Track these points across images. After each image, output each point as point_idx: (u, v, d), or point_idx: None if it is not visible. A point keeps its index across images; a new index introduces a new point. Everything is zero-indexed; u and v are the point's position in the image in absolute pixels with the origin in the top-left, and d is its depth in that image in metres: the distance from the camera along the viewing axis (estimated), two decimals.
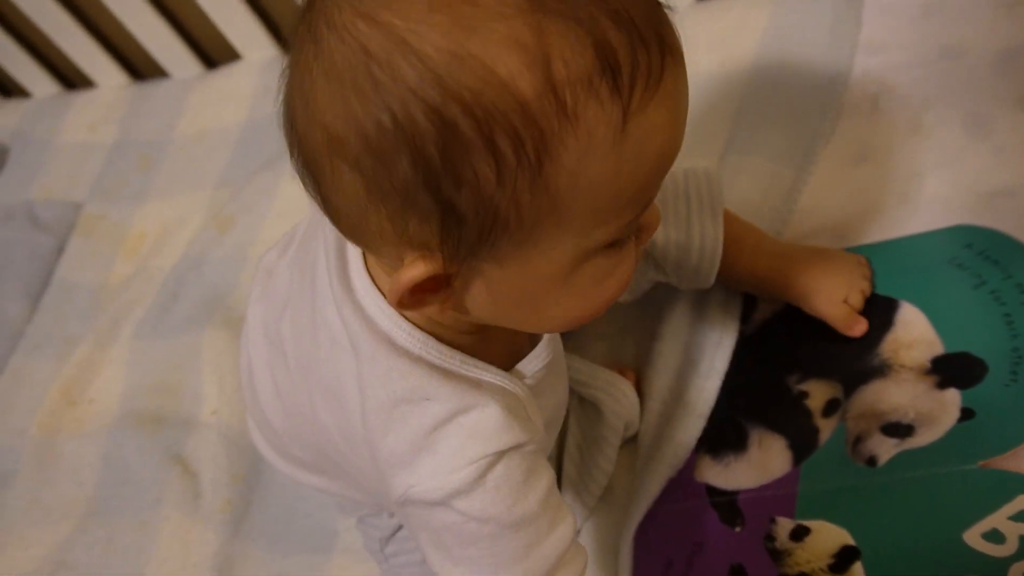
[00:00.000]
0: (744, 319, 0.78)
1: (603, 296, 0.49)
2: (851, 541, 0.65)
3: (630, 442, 0.78)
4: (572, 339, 0.85)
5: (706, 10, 0.99)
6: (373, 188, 0.42)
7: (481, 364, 0.53)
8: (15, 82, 1.39)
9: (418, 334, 0.52)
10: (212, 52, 1.28)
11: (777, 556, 0.67)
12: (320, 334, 0.57)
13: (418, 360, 0.52)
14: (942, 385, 0.68)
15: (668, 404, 0.77)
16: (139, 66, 1.34)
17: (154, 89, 1.30)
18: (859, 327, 0.73)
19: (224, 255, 1.06)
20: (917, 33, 0.87)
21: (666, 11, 0.43)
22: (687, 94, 0.44)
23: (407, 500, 0.53)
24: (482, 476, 0.51)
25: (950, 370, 0.68)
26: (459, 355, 0.52)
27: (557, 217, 0.43)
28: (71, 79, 1.39)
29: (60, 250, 1.19)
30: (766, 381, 0.74)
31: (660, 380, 0.78)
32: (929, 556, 0.62)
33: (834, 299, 0.73)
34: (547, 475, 0.54)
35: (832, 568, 0.65)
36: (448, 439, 0.51)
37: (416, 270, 0.44)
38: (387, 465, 0.54)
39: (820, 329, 0.74)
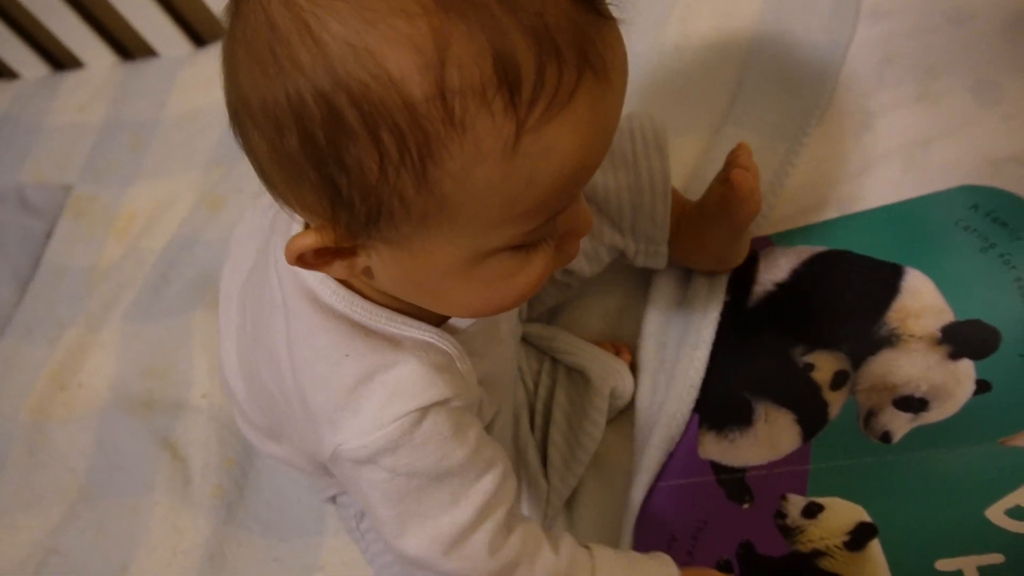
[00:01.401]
0: (745, 292, 0.76)
1: (511, 292, 0.49)
2: (867, 518, 0.63)
3: (627, 411, 0.77)
4: (567, 316, 0.84)
5: None
6: (274, 154, 0.43)
7: (410, 320, 0.53)
8: (3, 64, 1.38)
9: (343, 291, 0.52)
10: (201, 31, 1.27)
11: (788, 533, 0.65)
12: (265, 295, 0.58)
13: (340, 317, 0.52)
14: (955, 356, 0.66)
15: (658, 376, 0.76)
16: (128, 46, 1.32)
17: (144, 69, 1.29)
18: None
19: (216, 235, 1.04)
20: None
21: (608, 28, 0.42)
22: (611, 113, 0.43)
23: (336, 458, 0.54)
24: (407, 433, 0.51)
25: (962, 339, 0.66)
26: (385, 312, 0.53)
27: (446, 217, 0.43)
28: (60, 60, 1.37)
29: (49, 233, 1.17)
30: (770, 354, 0.72)
31: (650, 353, 0.78)
32: (950, 533, 0.60)
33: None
34: (474, 428, 0.55)
35: (848, 545, 0.63)
36: (371, 397, 0.52)
37: (309, 239, 0.45)
38: (316, 424, 0.54)
39: (825, 299, 0.72)
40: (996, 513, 0.59)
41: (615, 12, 0.43)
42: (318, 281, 0.53)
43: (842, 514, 0.64)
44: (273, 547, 0.83)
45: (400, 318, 0.53)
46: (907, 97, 0.79)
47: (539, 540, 0.58)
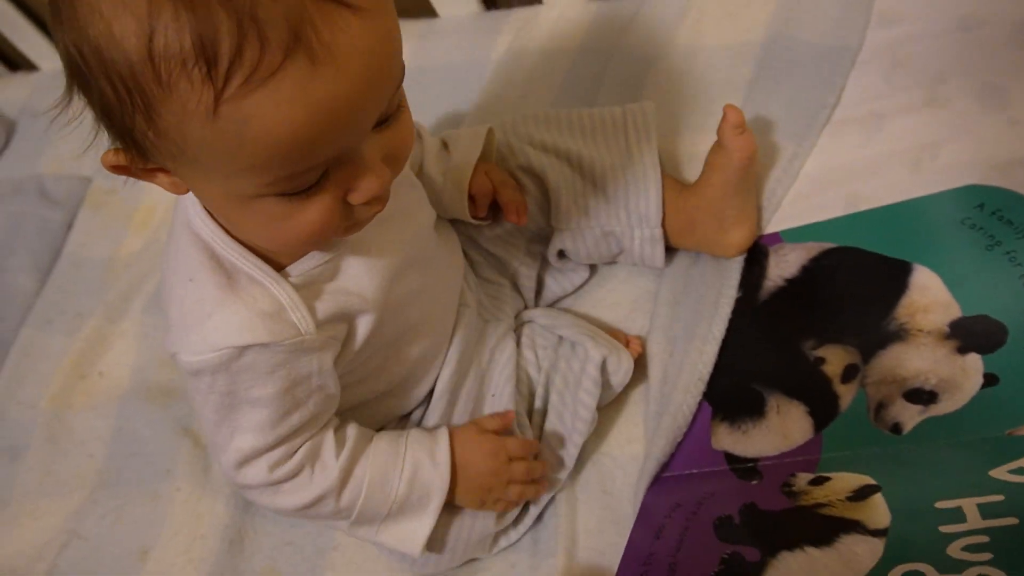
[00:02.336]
0: (756, 287, 0.78)
1: (291, 233, 0.55)
2: (872, 481, 0.65)
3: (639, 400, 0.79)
4: (579, 304, 0.86)
5: None
6: (67, 86, 0.51)
7: (258, 263, 0.61)
8: (23, 56, 1.39)
9: (210, 220, 0.60)
10: None
11: (793, 496, 0.67)
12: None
13: (200, 244, 0.61)
14: (963, 350, 0.67)
15: (669, 368, 0.78)
16: None
17: None
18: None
19: None
20: (933, 4, 0.86)
21: (342, 14, 0.46)
22: (336, 93, 0.47)
23: (175, 363, 0.62)
24: (225, 363, 0.60)
25: (969, 334, 0.68)
26: (239, 248, 0.60)
27: (188, 160, 0.50)
28: None
29: (69, 224, 1.19)
30: (781, 348, 0.74)
31: (659, 343, 0.80)
32: (952, 484, 0.62)
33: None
34: (297, 372, 0.63)
35: (850, 499, 0.65)
36: (202, 324, 0.60)
37: (110, 155, 0.52)
38: (168, 329, 0.63)
39: (834, 295, 0.73)
40: (1000, 472, 0.61)
41: (360, 1, 0.47)
42: (195, 212, 0.61)
43: (848, 480, 0.66)
44: (286, 531, 0.85)
45: (248, 255, 0.60)
46: (916, 100, 0.81)
47: (317, 451, 0.67)
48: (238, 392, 0.62)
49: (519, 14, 1.10)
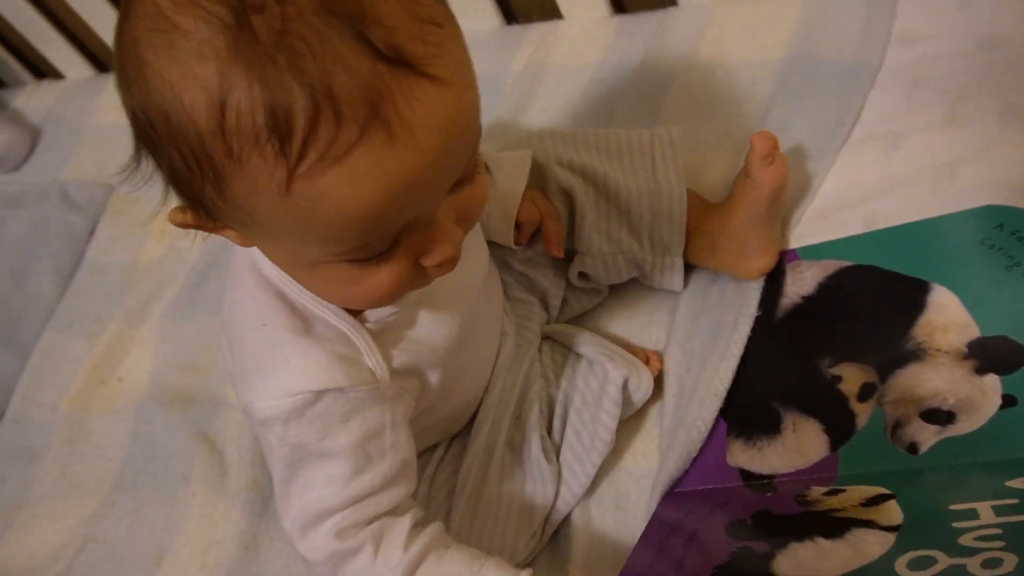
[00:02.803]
0: (772, 305, 0.78)
1: (360, 295, 0.54)
2: (887, 491, 0.65)
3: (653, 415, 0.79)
4: (593, 324, 0.86)
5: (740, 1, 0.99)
6: (135, 146, 0.50)
7: (331, 306, 0.59)
8: (49, 64, 1.41)
9: (281, 270, 0.59)
10: None
11: (806, 504, 0.67)
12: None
13: (271, 289, 0.59)
14: (981, 371, 0.67)
15: (684, 381, 0.78)
16: None
17: None
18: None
19: None
20: (954, 24, 0.86)
21: (421, 86, 0.44)
22: (412, 167, 0.45)
23: (246, 412, 0.61)
24: (299, 409, 0.58)
25: (988, 355, 0.67)
26: (309, 292, 0.58)
27: (257, 227, 0.49)
28: (104, 62, 1.40)
29: (92, 230, 1.20)
30: (797, 365, 0.74)
31: (675, 358, 0.80)
32: (968, 491, 0.62)
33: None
34: (370, 424, 0.60)
35: (863, 504, 0.64)
36: (277, 369, 0.58)
37: (178, 216, 0.52)
38: (237, 379, 0.62)
39: (851, 313, 0.73)
40: (1018, 483, 0.61)
41: (441, 71, 0.45)
42: (259, 252, 0.59)
43: (862, 491, 0.66)
44: None
45: (322, 301, 0.59)
46: (936, 120, 0.81)
47: (387, 534, 0.62)
48: (309, 444, 0.59)
49: (539, 29, 1.10)
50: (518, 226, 0.77)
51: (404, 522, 0.62)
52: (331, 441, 0.59)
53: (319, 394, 0.58)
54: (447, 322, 0.65)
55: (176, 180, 0.48)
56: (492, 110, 1.06)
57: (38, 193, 1.25)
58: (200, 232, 0.54)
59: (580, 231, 0.79)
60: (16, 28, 1.35)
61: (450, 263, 0.54)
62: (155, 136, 0.47)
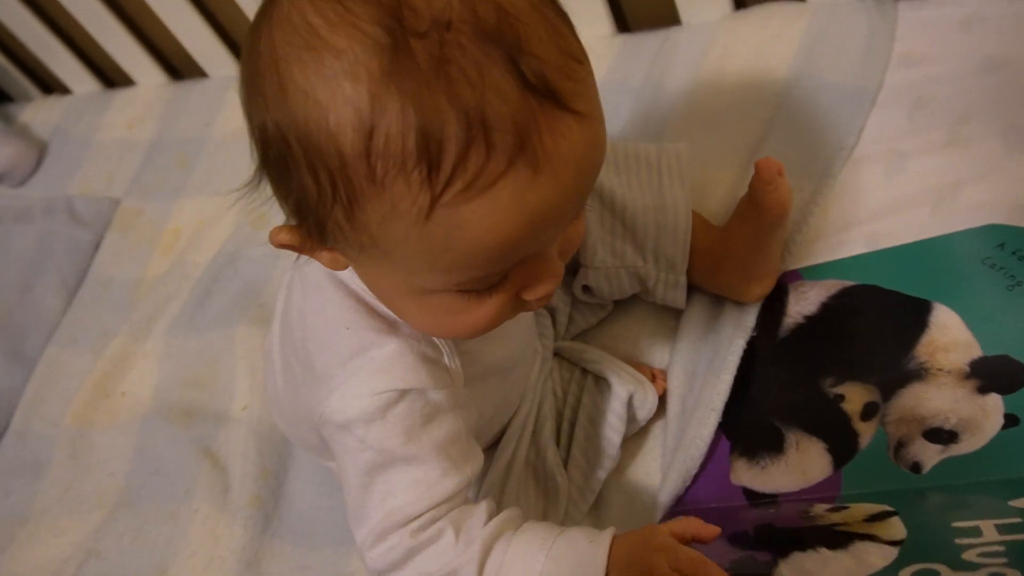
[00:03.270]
0: (775, 324, 0.78)
1: (461, 326, 0.54)
2: (890, 509, 0.64)
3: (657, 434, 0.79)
4: (598, 342, 0.86)
5: (745, 19, 0.99)
6: (263, 161, 0.50)
7: None
8: (56, 79, 1.42)
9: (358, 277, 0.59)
10: None
11: (810, 520, 0.67)
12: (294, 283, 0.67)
13: (351, 294, 0.59)
14: (983, 390, 0.67)
15: (685, 400, 0.78)
16: (178, 66, 1.36)
17: (192, 88, 1.32)
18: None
19: (260, 251, 1.07)
20: (956, 46, 0.87)
21: (563, 120, 0.44)
22: (551, 202, 0.46)
23: (323, 420, 0.60)
24: (383, 409, 0.57)
25: (990, 374, 0.67)
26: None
27: (380, 253, 0.48)
28: (111, 77, 1.41)
29: (97, 245, 1.21)
30: (801, 384, 0.74)
31: (679, 378, 0.80)
32: (972, 509, 0.62)
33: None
34: (450, 426, 0.60)
35: (866, 520, 0.64)
36: (361, 369, 0.58)
37: (283, 233, 0.52)
38: (318, 385, 0.61)
39: (854, 332, 0.74)
40: (1022, 502, 0.61)
41: (582, 107, 0.45)
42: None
43: (866, 508, 0.66)
44: (303, 555, 0.85)
45: None
46: (938, 141, 0.81)
47: (465, 517, 0.60)
48: (394, 449, 0.58)
49: None
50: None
51: (481, 507, 0.61)
52: (415, 445, 0.58)
53: (403, 393, 0.57)
54: (507, 342, 0.67)
55: (303, 200, 0.48)
56: None
57: (44, 208, 1.26)
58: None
59: (585, 243, 0.79)
60: (23, 43, 1.36)
61: (549, 297, 0.54)
62: (289, 154, 0.46)
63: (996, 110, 0.81)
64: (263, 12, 0.48)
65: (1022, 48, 0.83)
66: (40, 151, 1.35)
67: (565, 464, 0.78)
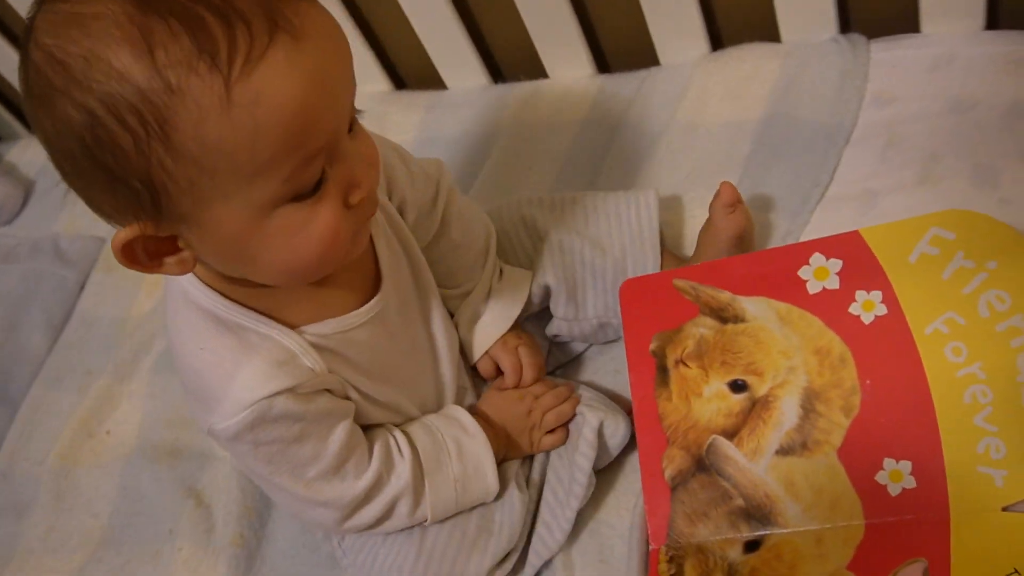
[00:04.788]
0: None
1: (311, 244, 0.58)
2: None
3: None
4: (583, 374, 0.87)
5: (721, 60, 1.02)
6: (73, 172, 0.54)
7: (262, 319, 0.65)
8: None
9: (207, 289, 0.64)
10: None
11: None
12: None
13: (203, 312, 0.64)
14: None
15: None
16: None
17: None
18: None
19: None
20: (926, 86, 0.89)
21: (300, 3, 0.52)
22: (319, 65, 0.52)
23: (211, 434, 0.66)
24: (260, 415, 0.63)
25: None
26: (240, 309, 0.64)
27: (208, 178, 0.52)
28: None
29: (83, 284, 1.22)
30: None
31: None
32: None
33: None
34: (323, 398, 0.67)
35: None
36: (227, 388, 0.63)
37: (124, 233, 0.55)
38: (195, 405, 0.68)
39: None
40: None
41: None
42: (189, 282, 0.64)
43: None
44: None
45: (254, 316, 0.65)
46: (909, 179, 0.83)
47: (389, 451, 0.72)
48: (283, 437, 0.66)
49: (525, 87, 1.13)
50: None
51: (390, 440, 0.73)
52: (299, 426, 0.66)
53: (272, 399, 0.63)
54: (375, 353, 0.72)
55: (126, 162, 0.51)
56: (479, 166, 1.08)
57: (30, 247, 1.26)
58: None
59: (556, 300, 0.82)
60: (9, 81, 1.37)
61: (371, 202, 0.61)
62: (97, 123, 0.50)
63: (965, 149, 0.83)
64: (25, 41, 0.53)
65: (989, 88, 0.85)
66: (27, 190, 1.36)
67: (540, 491, 0.79)
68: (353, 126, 0.59)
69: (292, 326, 0.66)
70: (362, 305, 0.70)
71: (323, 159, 0.55)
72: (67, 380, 1.12)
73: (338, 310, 0.69)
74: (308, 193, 0.56)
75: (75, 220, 1.29)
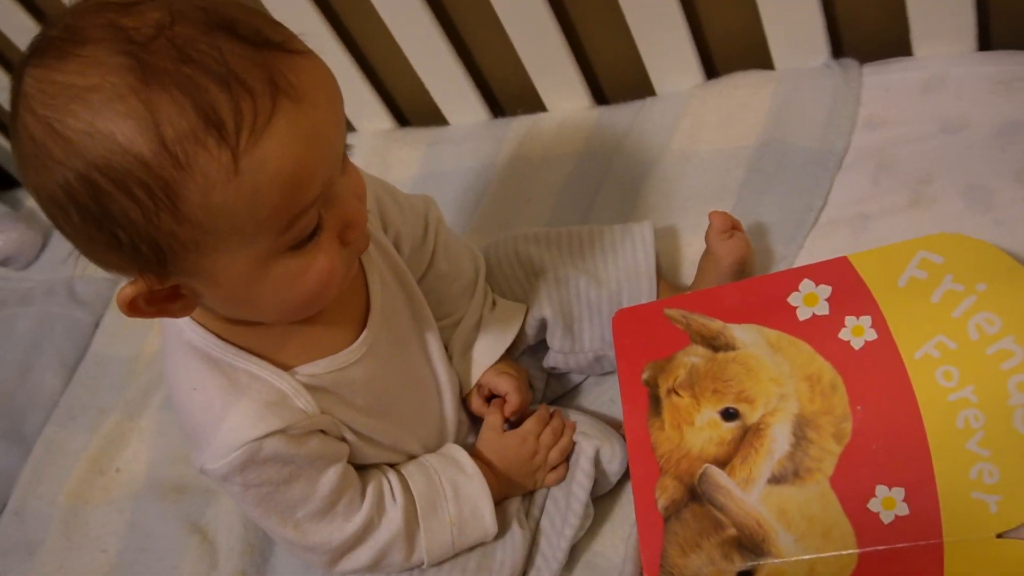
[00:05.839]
0: None
1: (309, 287, 0.59)
2: None
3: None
4: (582, 401, 0.88)
5: (715, 89, 1.02)
6: (71, 232, 0.54)
7: (254, 359, 0.65)
8: None
9: (201, 330, 0.65)
10: None
11: None
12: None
13: (197, 353, 0.65)
14: None
15: None
16: None
17: None
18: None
19: None
20: (917, 109, 0.88)
21: (295, 59, 0.53)
22: (318, 123, 0.54)
23: (203, 472, 0.66)
24: (250, 458, 0.64)
25: None
26: (234, 349, 0.65)
27: (212, 239, 0.53)
28: None
29: (96, 324, 1.24)
30: None
31: None
32: None
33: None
34: (314, 440, 0.67)
35: None
36: (217, 428, 0.64)
37: (128, 289, 0.56)
38: (187, 441, 0.68)
39: None
40: None
41: (300, 47, 0.55)
42: (186, 324, 0.65)
43: None
44: None
45: (243, 353, 0.65)
46: (901, 202, 0.83)
47: (381, 495, 0.72)
48: (273, 479, 0.66)
49: (523, 121, 1.14)
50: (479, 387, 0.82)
51: (384, 482, 0.73)
52: (289, 468, 0.66)
53: (261, 441, 0.64)
54: (372, 390, 0.72)
55: (132, 228, 0.52)
56: (480, 198, 1.09)
57: (46, 290, 1.29)
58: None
59: (552, 334, 0.82)
60: None
61: (364, 237, 0.62)
62: (101, 192, 0.50)
63: (957, 170, 0.82)
64: (14, 101, 0.52)
65: (980, 110, 0.85)
66: (44, 235, 1.39)
67: (538, 521, 0.78)
68: (344, 163, 0.60)
69: (285, 367, 0.66)
70: (354, 342, 0.70)
71: (319, 206, 0.56)
72: (80, 419, 1.13)
73: (330, 348, 0.69)
74: (306, 240, 0.57)
75: (88, 264, 1.30)
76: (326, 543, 0.70)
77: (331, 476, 0.68)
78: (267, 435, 0.64)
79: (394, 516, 0.71)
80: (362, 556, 0.72)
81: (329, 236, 0.58)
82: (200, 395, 0.65)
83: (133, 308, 0.57)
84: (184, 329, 0.65)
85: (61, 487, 1.06)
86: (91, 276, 1.29)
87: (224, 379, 0.65)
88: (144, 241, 0.52)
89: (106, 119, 0.49)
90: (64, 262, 1.33)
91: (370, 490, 0.71)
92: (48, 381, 1.19)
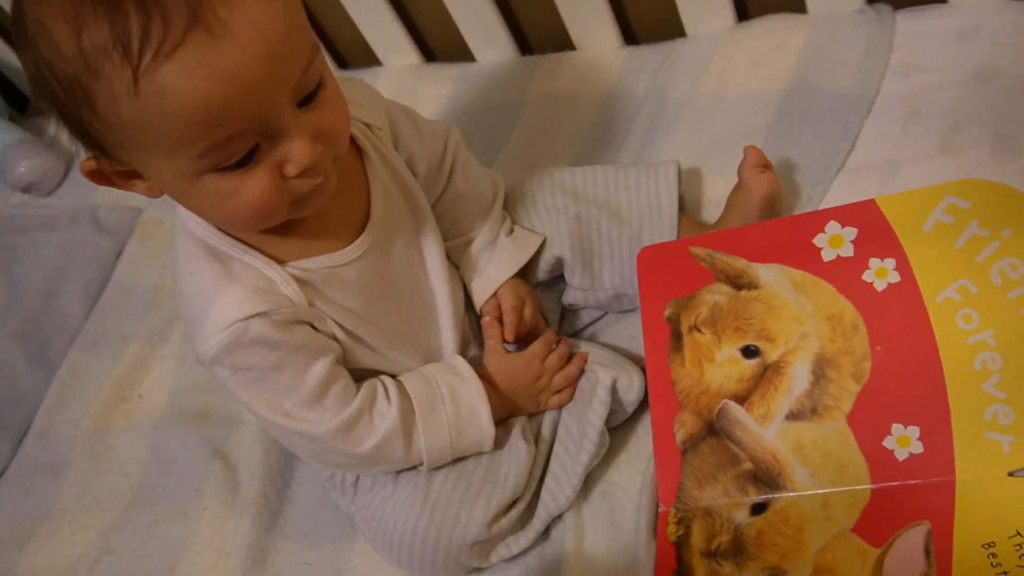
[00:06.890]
0: None
1: (240, 209, 0.61)
2: None
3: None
4: (601, 338, 0.88)
5: (747, 31, 1.01)
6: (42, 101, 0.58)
7: (249, 251, 0.68)
8: None
9: (205, 223, 0.68)
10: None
11: None
12: None
13: (197, 240, 0.68)
14: None
15: None
16: None
17: None
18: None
19: None
20: (950, 56, 0.88)
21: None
22: (235, 58, 0.54)
23: (199, 361, 0.69)
24: (237, 338, 0.67)
25: None
26: (231, 240, 0.68)
27: (132, 143, 0.57)
28: None
29: (119, 253, 1.24)
30: None
31: None
32: None
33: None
34: (301, 330, 0.69)
35: None
36: (209, 311, 0.67)
37: (87, 162, 0.61)
38: (187, 329, 0.71)
39: None
40: None
41: None
42: (187, 215, 0.68)
43: None
44: (305, 552, 0.87)
45: (238, 244, 0.68)
46: (930, 149, 0.83)
47: (374, 395, 0.74)
48: (260, 364, 0.68)
49: (552, 59, 1.13)
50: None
51: (378, 385, 0.75)
52: (275, 353, 0.68)
53: (247, 322, 0.66)
54: (364, 294, 0.74)
55: (63, 113, 0.57)
56: (506, 137, 1.09)
57: (70, 217, 1.30)
58: None
59: (572, 270, 0.83)
60: None
61: (314, 173, 0.62)
62: (42, 78, 0.55)
63: (987, 119, 0.82)
64: None
65: (1013, 58, 0.84)
66: (67, 162, 1.39)
67: (551, 445, 0.80)
68: (314, 98, 0.60)
69: (279, 261, 0.69)
70: (349, 245, 0.72)
71: (250, 139, 0.57)
72: (103, 345, 1.15)
73: (326, 250, 0.71)
74: (233, 166, 0.58)
75: (112, 191, 1.31)
76: (313, 430, 0.72)
77: (319, 369, 0.70)
78: (251, 316, 0.66)
79: (388, 414, 0.73)
80: (352, 447, 0.73)
81: (266, 167, 0.60)
82: (196, 280, 0.68)
83: (96, 177, 0.62)
84: (187, 219, 0.69)
85: (85, 412, 1.08)
86: (114, 204, 1.30)
87: (219, 265, 0.68)
88: (79, 126, 0.57)
89: (50, 15, 0.54)
90: (88, 189, 1.34)
91: (363, 388, 0.73)
92: (72, 307, 1.20)
